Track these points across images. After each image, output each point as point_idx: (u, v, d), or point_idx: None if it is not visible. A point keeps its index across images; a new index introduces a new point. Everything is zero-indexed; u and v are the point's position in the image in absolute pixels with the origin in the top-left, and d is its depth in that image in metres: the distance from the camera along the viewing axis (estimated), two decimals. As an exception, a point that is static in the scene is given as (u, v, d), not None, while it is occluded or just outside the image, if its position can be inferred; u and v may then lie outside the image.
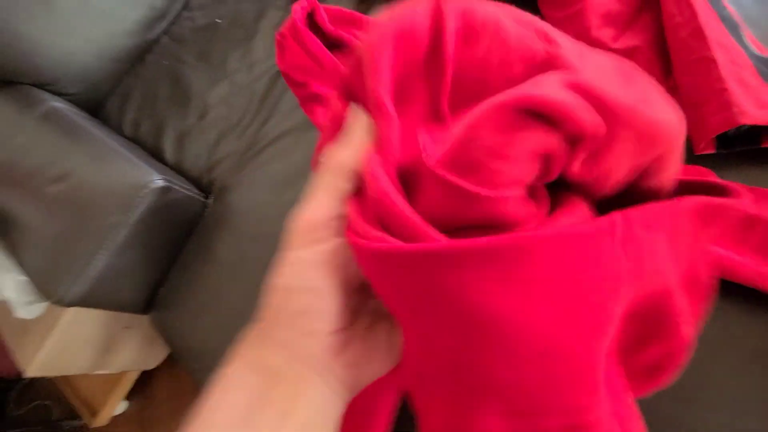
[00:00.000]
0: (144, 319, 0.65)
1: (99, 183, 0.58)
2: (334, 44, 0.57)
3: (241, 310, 0.54)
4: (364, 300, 0.21)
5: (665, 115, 0.20)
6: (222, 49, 0.76)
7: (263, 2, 0.77)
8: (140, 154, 0.68)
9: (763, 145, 0.38)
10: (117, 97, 0.85)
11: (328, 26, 0.55)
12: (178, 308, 0.60)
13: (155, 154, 0.73)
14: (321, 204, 0.19)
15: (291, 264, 0.18)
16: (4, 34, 0.73)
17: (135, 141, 0.77)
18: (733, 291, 0.35)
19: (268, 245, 0.55)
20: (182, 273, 0.61)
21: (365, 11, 0.66)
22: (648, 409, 0.25)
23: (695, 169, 0.40)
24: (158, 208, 0.58)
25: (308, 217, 0.19)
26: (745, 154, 0.39)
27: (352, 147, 0.19)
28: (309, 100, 0.54)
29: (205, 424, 0.17)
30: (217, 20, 0.81)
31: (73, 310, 0.74)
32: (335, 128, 0.22)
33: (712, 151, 0.39)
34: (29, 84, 0.78)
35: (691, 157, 0.40)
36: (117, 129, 0.80)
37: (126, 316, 0.80)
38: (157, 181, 0.57)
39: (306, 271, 0.18)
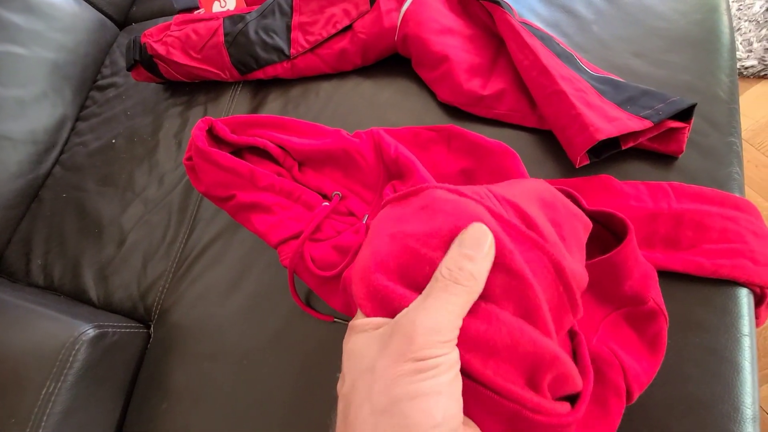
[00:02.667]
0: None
1: (20, 353, 0.53)
2: (242, 148, 0.58)
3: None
4: None
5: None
6: (125, 168, 0.74)
7: (156, 113, 0.76)
8: (60, 304, 0.62)
9: (623, 147, 0.45)
10: (17, 245, 0.78)
11: (231, 136, 0.57)
12: (145, 458, 0.54)
13: (78, 297, 0.67)
14: (446, 314, 0.18)
15: (419, 375, 0.17)
16: None
17: (50, 288, 0.71)
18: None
19: (227, 359, 0.54)
20: (138, 417, 0.56)
21: (258, 106, 0.69)
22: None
23: (598, 179, 0.46)
24: (95, 359, 0.53)
25: (433, 325, 0.18)
26: (633, 152, 0.46)
27: (484, 262, 0.19)
28: (240, 211, 0.55)
29: None
30: (113, 140, 0.79)
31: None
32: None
33: (587, 162, 0.46)
34: None
35: (581, 169, 0.47)
36: (25, 280, 0.73)
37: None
38: (87, 331, 0.53)
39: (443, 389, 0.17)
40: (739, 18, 0.89)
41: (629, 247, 0.31)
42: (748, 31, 0.88)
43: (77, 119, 0.89)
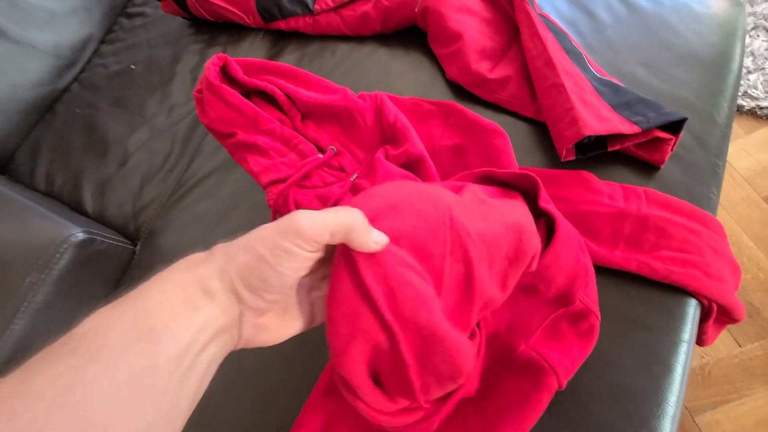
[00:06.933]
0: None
1: (11, 243, 0.56)
2: (251, 91, 0.60)
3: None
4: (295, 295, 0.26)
5: None
6: (138, 94, 0.76)
7: (177, 47, 0.78)
8: (57, 208, 0.65)
9: (609, 149, 0.47)
10: (26, 150, 0.81)
11: (243, 77, 0.59)
12: (111, 362, 0.58)
13: (74, 207, 0.70)
14: (329, 222, 0.23)
15: (280, 247, 0.22)
16: None
17: (50, 195, 0.74)
18: (608, 273, 0.43)
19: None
20: (113, 325, 0.60)
21: (275, 56, 0.70)
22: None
23: (578, 174, 0.48)
24: (81, 262, 0.56)
25: (315, 225, 0.22)
26: (617, 156, 0.48)
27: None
28: (238, 149, 0.57)
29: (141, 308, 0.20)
30: (132, 66, 0.81)
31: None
32: None
33: (572, 158, 0.47)
34: None
35: (566, 163, 0.48)
36: (28, 184, 0.76)
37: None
38: (77, 234, 0.56)
39: (289, 263, 0.22)
40: (766, 58, 0.89)
41: (550, 254, 0.33)
42: (771, 73, 0.88)
43: (102, 41, 0.91)
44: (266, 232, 0.22)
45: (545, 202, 0.37)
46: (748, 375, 0.69)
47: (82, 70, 0.88)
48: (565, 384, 0.38)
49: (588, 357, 0.39)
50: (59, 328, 0.56)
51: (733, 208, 0.80)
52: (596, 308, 0.38)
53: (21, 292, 0.52)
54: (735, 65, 0.53)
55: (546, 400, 0.37)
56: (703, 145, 0.49)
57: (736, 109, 0.51)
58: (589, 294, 0.38)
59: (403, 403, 0.25)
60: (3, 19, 0.77)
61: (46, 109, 0.85)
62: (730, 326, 0.74)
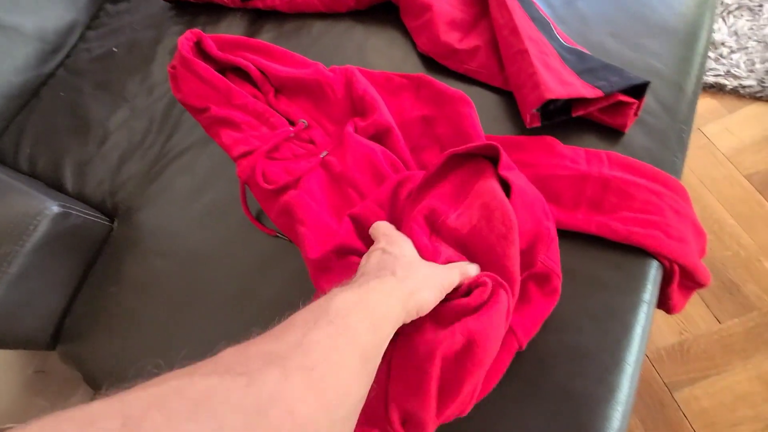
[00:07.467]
0: (59, 364, 0.62)
1: (-12, 217, 0.56)
2: (226, 67, 0.61)
3: (156, 326, 0.55)
4: None
5: None
6: (120, 76, 0.77)
7: (158, 29, 0.79)
8: (37, 186, 0.66)
9: (573, 115, 0.47)
10: (11, 134, 0.82)
11: (217, 52, 0.60)
12: (88, 335, 0.58)
13: (55, 186, 0.71)
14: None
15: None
16: None
17: (33, 176, 0.74)
18: (569, 235, 0.43)
19: (178, 259, 0.57)
20: (90, 299, 0.60)
21: (253, 35, 0.71)
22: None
23: (542, 139, 0.48)
24: (56, 234, 0.57)
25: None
26: (583, 122, 0.48)
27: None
28: (212, 124, 0.58)
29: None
30: (114, 49, 0.82)
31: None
32: None
33: (538, 125, 0.47)
34: None
35: (532, 131, 0.48)
36: (12, 166, 0.77)
37: (37, 359, 0.75)
38: (53, 207, 0.57)
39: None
40: (749, 37, 0.88)
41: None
42: (754, 51, 0.87)
43: (88, 27, 0.91)
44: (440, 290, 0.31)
45: (505, 169, 0.38)
46: (727, 351, 0.69)
47: (68, 56, 0.89)
48: (525, 344, 0.38)
49: (549, 318, 0.39)
50: (35, 299, 0.56)
51: (715, 186, 0.80)
52: (558, 270, 0.38)
53: (-5, 263, 0.53)
54: (704, 34, 0.53)
55: (506, 358, 0.37)
56: (670, 112, 0.49)
57: (704, 79, 0.51)
58: (552, 257, 0.38)
59: None
60: (-13, 3, 0.78)
61: (31, 93, 0.86)
62: (710, 303, 0.74)
